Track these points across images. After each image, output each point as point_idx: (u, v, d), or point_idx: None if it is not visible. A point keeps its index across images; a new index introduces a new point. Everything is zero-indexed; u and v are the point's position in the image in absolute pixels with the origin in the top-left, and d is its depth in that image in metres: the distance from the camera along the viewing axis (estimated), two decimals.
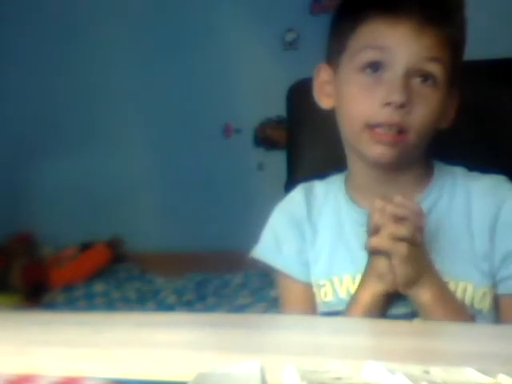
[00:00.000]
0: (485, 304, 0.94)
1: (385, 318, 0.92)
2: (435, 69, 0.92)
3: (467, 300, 0.93)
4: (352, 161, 1.02)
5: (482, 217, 0.96)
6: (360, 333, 0.75)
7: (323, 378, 0.41)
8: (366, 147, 0.94)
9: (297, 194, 1.07)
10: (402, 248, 0.86)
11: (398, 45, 0.92)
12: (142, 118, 3.13)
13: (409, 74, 0.91)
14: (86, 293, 2.75)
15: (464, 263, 0.95)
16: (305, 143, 1.22)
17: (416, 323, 0.91)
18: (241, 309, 2.37)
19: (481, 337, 0.70)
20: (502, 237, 0.94)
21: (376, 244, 0.88)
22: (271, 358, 0.55)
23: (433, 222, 0.94)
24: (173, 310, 2.48)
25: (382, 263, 0.89)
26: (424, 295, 0.90)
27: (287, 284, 1.05)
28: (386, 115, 0.91)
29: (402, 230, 0.86)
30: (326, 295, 1.00)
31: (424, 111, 0.92)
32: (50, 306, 2.61)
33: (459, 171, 1.01)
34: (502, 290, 0.95)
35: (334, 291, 0.99)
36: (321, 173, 1.10)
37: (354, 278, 0.97)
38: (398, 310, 0.94)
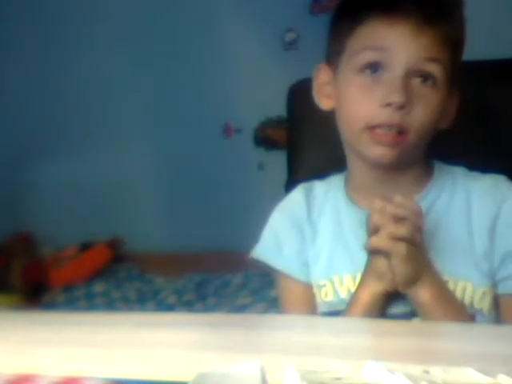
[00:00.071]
0: (484, 304, 0.94)
1: (384, 317, 0.92)
2: (435, 69, 0.92)
3: (467, 299, 0.93)
4: (352, 161, 1.02)
5: (482, 216, 0.96)
6: (360, 333, 0.75)
7: (323, 378, 0.41)
8: (366, 148, 0.94)
9: (297, 194, 1.07)
10: (402, 248, 0.87)
11: (397, 45, 0.92)
12: (142, 118, 3.13)
13: (408, 75, 0.91)
14: (86, 293, 2.74)
15: (463, 262, 0.95)
16: (305, 143, 1.22)
17: (415, 322, 0.91)
18: (241, 309, 2.37)
19: (481, 337, 0.70)
20: (501, 236, 0.94)
21: (376, 244, 0.88)
22: (271, 357, 0.55)
23: (431, 222, 0.94)
24: (173, 310, 2.48)
25: (381, 263, 0.89)
26: (423, 295, 0.90)
27: (287, 284, 1.05)
28: (385, 116, 0.91)
29: (402, 230, 0.86)
30: (326, 295, 1.00)
31: (424, 111, 0.92)
32: (50, 306, 2.61)
33: (459, 171, 1.01)
34: (502, 289, 0.95)
35: (335, 291, 0.99)
36: (321, 173, 1.10)
37: (354, 278, 0.97)
38: (397, 309, 0.94)
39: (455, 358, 0.58)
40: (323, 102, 1.03)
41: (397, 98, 0.90)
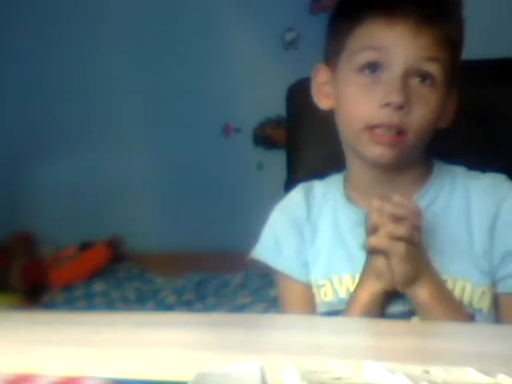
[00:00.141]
0: (484, 303, 0.94)
1: (383, 317, 0.92)
2: (433, 68, 0.92)
3: (466, 299, 0.93)
4: (351, 161, 1.02)
5: (482, 215, 0.96)
6: (360, 333, 0.75)
7: (323, 378, 0.41)
8: (366, 148, 0.94)
9: (296, 193, 1.07)
10: (401, 247, 0.87)
11: (396, 45, 0.91)
12: (141, 118, 3.12)
13: (407, 74, 0.91)
14: (86, 292, 2.74)
15: (462, 262, 0.95)
16: (304, 143, 1.22)
17: (414, 321, 0.91)
18: (240, 309, 2.37)
19: (481, 337, 0.70)
20: (501, 236, 0.94)
21: (374, 243, 0.88)
22: (271, 357, 0.55)
23: (429, 221, 0.94)
24: (172, 309, 2.48)
25: (380, 262, 0.89)
26: (422, 294, 0.90)
27: (287, 284, 1.05)
28: (385, 116, 0.91)
29: (400, 230, 0.87)
30: (326, 295, 1.00)
31: (423, 111, 0.92)
32: (50, 306, 2.61)
33: (459, 170, 1.01)
34: (502, 288, 0.95)
35: (334, 291, 0.99)
36: (320, 172, 1.10)
37: (353, 278, 0.97)
38: (396, 308, 0.94)
39: (455, 357, 0.58)
40: (322, 102, 1.03)
41: (396, 98, 0.90)
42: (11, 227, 3.00)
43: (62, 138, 3.20)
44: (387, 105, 0.90)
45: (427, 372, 0.43)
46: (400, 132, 0.91)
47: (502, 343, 0.64)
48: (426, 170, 1.01)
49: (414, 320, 0.92)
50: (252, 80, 2.94)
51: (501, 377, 0.42)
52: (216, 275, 2.74)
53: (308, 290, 1.02)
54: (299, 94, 1.18)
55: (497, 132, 1.12)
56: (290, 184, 1.14)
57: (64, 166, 3.15)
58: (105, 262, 2.96)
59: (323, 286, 1.00)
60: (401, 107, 0.90)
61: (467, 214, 0.97)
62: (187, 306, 2.54)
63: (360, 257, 0.93)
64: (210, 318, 0.87)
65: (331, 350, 0.61)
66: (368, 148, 0.94)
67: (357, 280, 0.95)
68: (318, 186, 1.07)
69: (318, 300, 1.01)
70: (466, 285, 0.94)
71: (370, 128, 0.92)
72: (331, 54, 1.00)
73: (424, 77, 0.92)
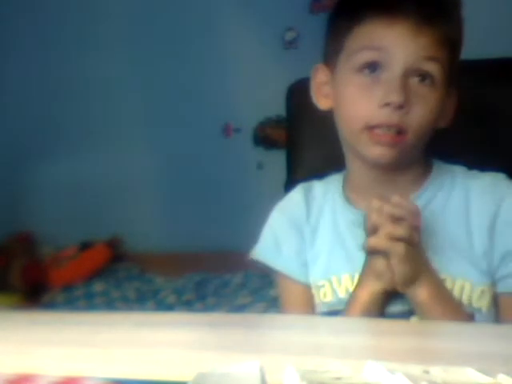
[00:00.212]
0: (483, 302, 0.94)
1: (382, 316, 0.92)
2: (433, 68, 0.92)
3: (465, 298, 0.93)
4: (350, 161, 1.02)
5: (481, 215, 0.96)
6: (360, 333, 0.75)
7: (323, 378, 0.41)
8: (365, 148, 0.94)
9: (296, 193, 1.07)
10: (400, 248, 0.87)
11: (395, 45, 0.91)
12: (141, 118, 3.12)
13: (407, 74, 0.91)
14: (86, 292, 2.74)
15: (461, 261, 0.94)
16: (304, 142, 1.22)
17: (413, 321, 0.91)
18: (240, 309, 2.37)
19: (481, 336, 0.70)
20: (501, 235, 0.94)
21: (374, 244, 0.88)
22: (271, 357, 0.55)
23: (427, 220, 0.94)
24: (172, 309, 2.48)
25: (379, 263, 0.90)
26: (421, 294, 0.90)
27: (287, 285, 1.05)
28: (384, 116, 0.91)
29: (400, 230, 0.87)
30: (325, 295, 1.00)
31: (422, 111, 0.92)
32: (50, 306, 2.61)
33: (458, 170, 1.01)
34: (502, 288, 0.95)
35: (334, 291, 0.99)
36: (320, 172, 1.10)
37: (352, 278, 0.97)
38: (396, 307, 0.94)
39: (455, 357, 0.58)
40: (321, 102, 1.03)
41: (395, 97, 0.89)
42: (11, 227, 3.00)
43: (62, 138, 3.20)
44: (387, 104, 0.90)
45: (427, 372, 0.43)
46: (400, 132, 0.91)
47: (501, 343, 0.64)
48: (425, 170, 1.01)
49: (413, 319, 0.92)
50: (252, 80, 2.94)
51: (501, 377, 0.42)
52: (216, 275, 2.74)
53: (307, 290, 1.02)
54: (299, 93, 1.18)
55: (496, 132, 1.12)
56: (289, 184, 1.14)
57: (64, 166, 3.15)
58: (105, 262, 2.96)
59: (322, 286, 1.00)
60: (400, 107, 0.90)
61: (466, 214, 0.97)
62: (187, 305, 2.54)
63: (359, 257, 0.93)
64: (209, 318, 0.87)
65: (331, 349, 0.61)
66: (367, 148, 0.94)
67: (356, 280, 0.95)
68: (318, 186, 1.07)
69: (317, 300, 1.01)
70: (465, 284, 0.94)
71: (370, 128, 0.92)
72: (330, 54, 1.00)
73: (423, 76, 0.92)
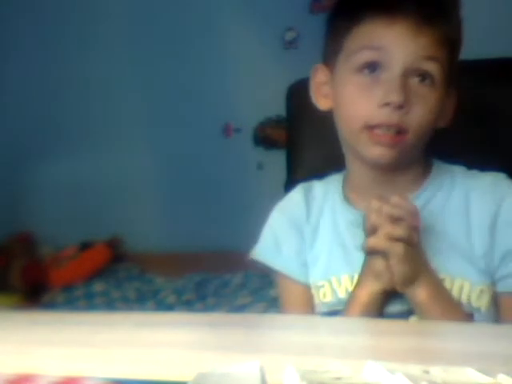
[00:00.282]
0: (483, 302, 0.94)
1: (381, 316, 0.92)
2: (432, 68, 0.92)
3: (464, 297, 0.93)
4: (350, 161, 1.02)
5: (482, 215, 0.95)
6: (360, 333, 0.75)
7: (323, 378, 0.41)
8: (365, 148, 0.94)
9: (296, 193, 1.07)
10: (399, 248, 0.87)
11: (394, 45, 0.91)
12: (141, 118, 3.13)
13: (406, 74, 0.91)
14: (86, 292, 2.74)
15: (460, 260, 0.94)
16: (304, 143, 1.22)
17: (413, 321, 0.91)
18: (240, 309, 2.37)
19: (481, 336, 0.70)
20: (501, 235, 0.94)
21: (373, 244, 0.88)
22: (271, 357, 0.55)
23: (425, 220, 0.94)
24: (172, 309, 2.48)
25: (379, 263, 0.90)
26: (421, 294, 0.90)
27: (287, 285, 1.05)
28: (384, 116, 0.91)
29: (399, 231, 0.87)
30: (325, 296, 1.00)
31: (422, 111, 0.92)
32: (50, 306, 2.61)
33: (458, 170, 1.01)
34: (502, 288, 0.95)
35: (333, 291, 0.99)
36: (320, 172, 1.10)
37: (351, 278, 0.97)
38: (395, 307, 0.94)
39: (455, 357, 0.58)
40: (321, 102, 1.03)
41: (395, 97, 0.89)
42: (11, 227, 3.00)
43: (62, 138, 3.20)
44: (387, 104, 0.90)
45: (427, 372, 0.43)
46: (400, 131, 0.91)
47: (501, 343, 0.64)
48: (424, 170, 1.01)
49: (412, 319, 0.92)
50: (252, 80, 2.94)
51: (501, 377, 0.42)
52: (216, 275, 2.74)
53: (307, 290, 1.02)
54: (299, 93, 1.18)
55: (495, 131, 1.12)
56: (289, 184, 1.14)
57: (64, 166, 3.15)
58: (105, 262, 2.96)
59: (322, 286, 1.00)
60: (400, 107, 0.90)
61: (466, 213, 0.96)
62: (187, 306, 2.54)
63: (358, 257, 0.93)
64: (209, 318, 0.87)
65: (331, 349, 0.61)
66: (367, 148, 0.94)
67: (355, 280, 0.95)
68: (318, 186, 1.07)
69: (317, 301, 1.01)
70: (464, 283, 0.93)
71: (369, 128, 0.92)
72: (329, 54, 1.00)
73: (423, 76, 0.92)
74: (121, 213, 3.10)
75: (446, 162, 1.03)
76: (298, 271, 1.03)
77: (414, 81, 0.92)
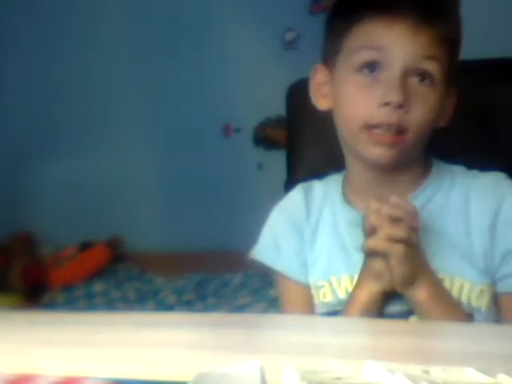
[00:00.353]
0: (483, 302, 0.94)
1: (381, 316, 0.92)
2: (432, 67, 0.92)
3: (464, 297, 0.93)
4: (350, 161, 1.02)
5: (482, 214, 0.95)
6: (360, 333, 0.75)
7: (323, 378, 0.41)
8: (365, 148, 0.94)
9: (296, 194, 1.07)
10: (399, 249, 0.87)
11: (394, 44, 0.91)
12: (141, 118, 3.12)
13: (406, 74, 0.91)
14: (86, 292, 2.74)
15: (460, 260, 0.94)
16: (304, 143, 1.22)
17: (413, 321, 0.91)
18: (240, 309, 2.37)
19: (481, 336, 0.70)
20: (502, 234, 0.94)
21: (373, 245, 0.88)
22: (271, 357, 0.55)
23: (425, 220, 0.94)
24: (172, 309, 2.48)
25: (378, 264, 0.90)
26: (420, 294, 0.90)
27: (286, 285, 1.05)
28: (384, 115, 0.91)
29: (398, 231, 0.87)
30: (325, 296, 1.00)
31: (422, 110, 0.92)
32: (50, 306, 2.61)
33: (458, 170, 1.01)
34: (502, 288, 0.95)
35: (333, 292, 0.99)
36: (320, 172, 1.10)
37: (351, 278, 0.97)
38: (395, 307, 0.94)
39: (455, 357, 0.58)
40: (320, 103, 1.03)
41: (395, 97, 0.89)
42: (11, 227, 3.00)
43: (62, 138, 3.20)
44: (386, 104, 0.90)
45: (427, 372, 0.43)
46: (399, 131, 0.91)
47: (502, 343, 0.64)
48: (424, 170, 1.01)
49: (413, 319, 0.92)
50: (252, 80, 2.94)
51: (501, 377, 0.42)
52: (216, 275, 2.74)
53: (307, 290, 1.02)
54: (299, 94, 1.18)
55: (495, 131, 1.12)
56: (289, 184, 1.14)
57: (64, 165, 3.15)
58: (105, 262, 2.96)
59: (322, 287, 1.00)
60: (400, 106, 0.90)
61: (466, 213, 0.96)
62: (187, 306, 2.54)
63: (358, 258, 0.93)
64: (210, 318, 0.87)
65: (331, 349, 0.61)
66: (367, 148, 0.94)
67: (355, 281, 0.95)
68: (318, 186, 1.07)
69: (317, 301, 1.01)
70: (464, 283, 0.93)
71: (369, 128, 0.92)
72: (329, 54, 1.00)
73: (423, 76, 0.92)
74: (121, 213, 3.10)
75: (446, 162, 1.03)
76: (298, 271, 1.03)
77: (414, 80, 0.92)
